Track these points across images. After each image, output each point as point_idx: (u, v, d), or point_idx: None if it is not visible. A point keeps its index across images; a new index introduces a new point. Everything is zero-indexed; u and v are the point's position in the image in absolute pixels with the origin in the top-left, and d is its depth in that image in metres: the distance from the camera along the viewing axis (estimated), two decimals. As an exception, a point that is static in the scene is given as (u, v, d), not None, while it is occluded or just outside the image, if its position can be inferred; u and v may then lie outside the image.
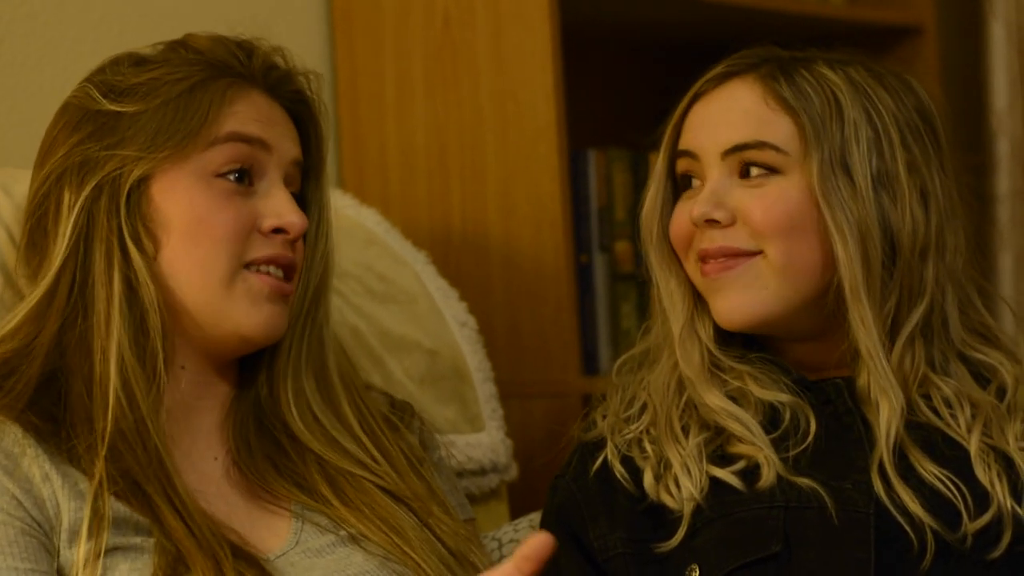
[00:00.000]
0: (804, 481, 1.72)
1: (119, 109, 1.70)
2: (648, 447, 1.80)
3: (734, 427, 1.76)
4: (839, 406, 1.79)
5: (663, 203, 1.85)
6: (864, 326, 1.75)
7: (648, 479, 1.78)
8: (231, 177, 1.71)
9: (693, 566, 1.72)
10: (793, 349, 1.83)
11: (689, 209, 1.80)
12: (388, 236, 2.26)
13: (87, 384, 1.65)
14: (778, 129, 1.79)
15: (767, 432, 1.76)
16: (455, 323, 2.23)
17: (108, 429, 1.62)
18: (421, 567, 1.69)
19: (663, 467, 1.78)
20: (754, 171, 1.79)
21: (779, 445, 1.75)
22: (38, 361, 1.65)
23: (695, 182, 1.83)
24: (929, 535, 1.69)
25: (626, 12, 2.64)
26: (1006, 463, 1.75)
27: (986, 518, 1.70)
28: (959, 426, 1.76)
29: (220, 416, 1.75)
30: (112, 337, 1.65)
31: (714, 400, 1.78)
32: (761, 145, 1.78)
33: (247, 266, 1.71)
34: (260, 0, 2.46)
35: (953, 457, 1.75)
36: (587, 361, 2.49)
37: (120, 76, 1.72)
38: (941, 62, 2.94)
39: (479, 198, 2.43)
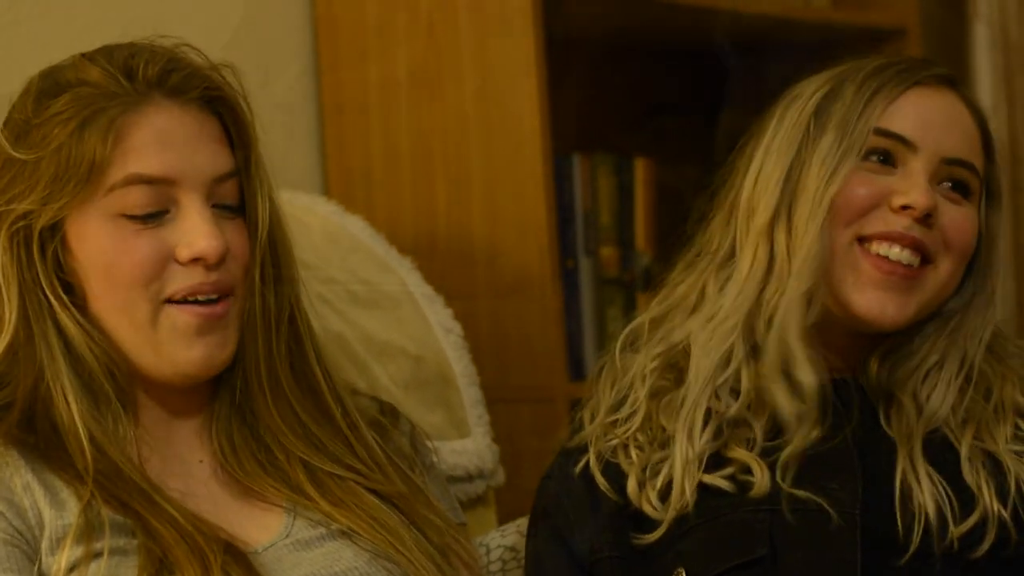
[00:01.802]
0: (795, 489, 1.71)
1: (22, 157, 1.64)
2: (634, 453, 1.79)
3: (742, 432, 1.77)
4: (837, 405, 1.79)
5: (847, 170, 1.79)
6: (977, 348, 1.80)
7: (631, 485, 1.77)
8: (141, 218, 1.64)
9: (679, 570, 1.72)
10: (836, 344, 1.81)
11: (887, 186, 1.78)
12: (373, 242, 2.26)
13: (55, 429, 1.64)
14: (980, 162, 1.82)
15: (770, 437, 1.76)
16: (440, 329, 2.23)
17: (90, 470, 1.61)
18: (412, 563, 1.69)
19: (647, 474, 1.77)
20: (946, 185, 1.80)
21: (775, 451, 1.75)
22: (19, 404, 1.64)
23: (873, 157, 1.79)
24: (915, 536, 1.69)
25: (610, 17, 2.64)
26: (994, 465, 1.75)
27: (971, 521, 1.70)
28: (952, 426, 1.77)
29: (198, 421, 1.74)
30: (66, 388, 1.64)
31: (781, 396, 1.75)
32: (974, 170, 1.81)
33: (168, 301, 1.65)
34: (243, 7, 2.46)
35: (943, 459, 1.75)
36: (573, 366, 2.48)
37: (24, 114, 1.66)
38: (925, 64, 2.93)
39: (464, 204, 2.43)
